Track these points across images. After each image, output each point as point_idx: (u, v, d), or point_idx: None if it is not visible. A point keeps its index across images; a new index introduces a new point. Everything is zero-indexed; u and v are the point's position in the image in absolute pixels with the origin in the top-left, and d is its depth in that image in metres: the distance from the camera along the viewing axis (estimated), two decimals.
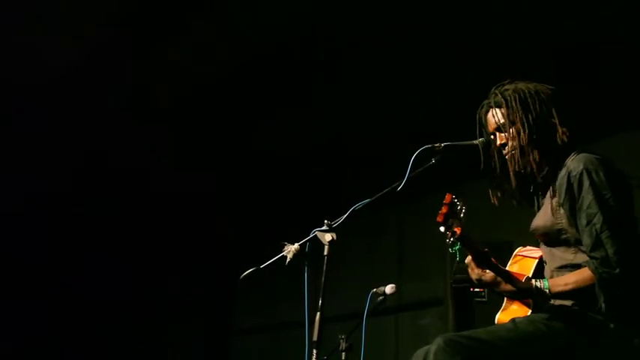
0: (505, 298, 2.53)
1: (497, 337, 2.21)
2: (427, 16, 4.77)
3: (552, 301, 2.32)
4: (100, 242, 8.95)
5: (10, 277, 8.94)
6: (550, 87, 2.49)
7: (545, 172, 2.43)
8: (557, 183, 2.35)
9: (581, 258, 2.29)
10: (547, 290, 2.26)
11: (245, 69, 5.58)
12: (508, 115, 2.45)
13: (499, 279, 2.30)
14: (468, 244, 2.26)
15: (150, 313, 10.16)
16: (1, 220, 8.16)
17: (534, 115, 2.41)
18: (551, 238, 2.38)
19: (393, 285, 3.54)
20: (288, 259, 2.57)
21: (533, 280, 2.30)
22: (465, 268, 2.38)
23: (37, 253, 9.09)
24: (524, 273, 2.47)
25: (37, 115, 6.37)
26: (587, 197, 2.24)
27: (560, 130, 2.39)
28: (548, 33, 4.77)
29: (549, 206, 2.37)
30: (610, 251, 2.17)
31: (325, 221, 2.59)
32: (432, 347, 2.15)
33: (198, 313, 9.68)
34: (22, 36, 5.28)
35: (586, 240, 2.23)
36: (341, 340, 3.34)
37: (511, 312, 2.47)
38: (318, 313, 2.48)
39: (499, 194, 2.53)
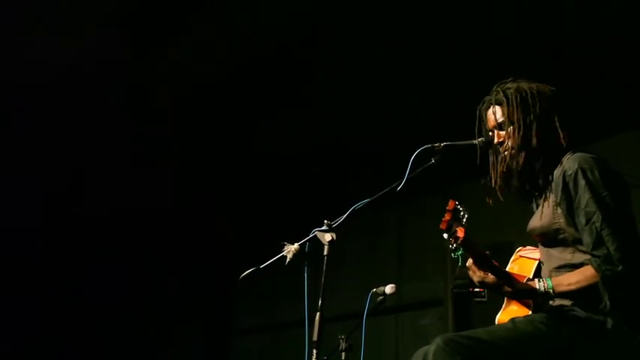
0: (505, 299, 2.54)
1: (496, 337, 2.21)
2: (427, 16, 4.77)
3: (552, 301, 2.32)
4: (100, 242, 8.95)
5: (9, 277, 8.94)
6: (552, 88, 2.49)
7: (540, 173, 2.43)
8: (553, 183, 2.35)
9: (579, 258, 2.29)
10: (551, 290, 2.26)
11: (245, 69, 5.58)
12: (508, 113, 2.45)
13: (501, 281, 2.30)
14: (470, 248, 2.26)
15: (150, 313, 10.16)
16: (1, 220, 8.16)
17: (534, 115, 2.42)
18: (548, 238, 2.38)
19: (392, 285, 3.54)
20: (288, 259, 2.57)
21: (536, 281, 2.30)
22: (466, 273, 2.39)
23: (37, 253, 9.09)
24: (525, 274, 2.47)
25: (36, 115, 6.36)
26: (585, 196, 2.24)
27: (559, 132, 2.40)
28: (549, 33, 4.77)
29: (546, 206, 2.37)
30: (612, 248, 2.17)
31: (325, 221, 2.60)
32: (432, 347, 2.15)
33: (198, 313, 9.68)
34: (22, 36, 5.28)
35: (586, 239, 2.23)
36: (341, 340, 3.34)
37: (511, 312, 2.47)
38: (318, 313, 2.48)
39: (497, 193, 2.53)
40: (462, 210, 2.24)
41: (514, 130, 2.43)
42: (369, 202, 2.59)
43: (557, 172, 2.34)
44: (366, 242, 7.43)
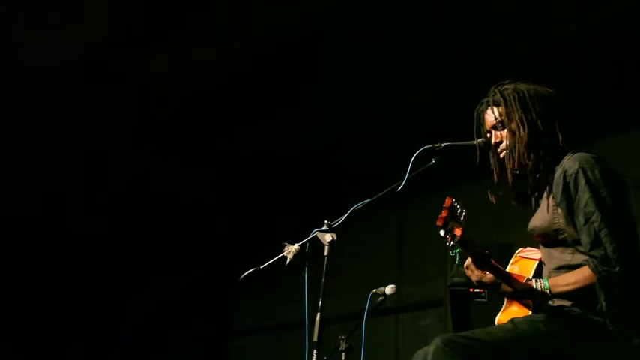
0: (505, 299, 2.54)
1: (496, 337, 2.21)
2: (427, 17, 4.77)
3: (552, 302, 2.32)
4: (100, 242, 8.94)
5: (9, 278, 8.94)
6: (550, 89, 2.50)
7: (540, 173, 2.43)
8: (553, 183, 2.35)
9: (579, 258, 2.29)
10: (548, 290, 2.26)
11: (245, 69, 5.58)
12: (506, 114, 2.46)
13: (499, 280, 2.30)
14: (467, 246, 2.26)
15: (149, 313, 10.15)
16: (1, 220, 8.16)
17: (532, 115, 2.42)
18: (548, 238, 2.38)
19: (393, 285, 3.54)
20: (288, 260, 2.58)
21: (534, 281, 2.30)
22: (463, 271, 2.39)
23: (37, 253, 9.09)
24: (525, 274, 2.47)
25: (36, 115, 6.37)
26: (584, 196, 2.24)
27: (557, 133, 2.40)
28: (549, 33, 4.77)
29: (546, 206, 2.37)
30: (609, 249, 2.17)
31: (325, 221, 2.60)
32: (431, 348, 2.15)
33: (198, 313, 9.67)
34: (22, 36, 5.28)
35: (585, 239, 2.23)
36: (341, 341, 3.34)
37: (511, 313, 2.47)
38: (318, 314, 2.48)
39: (497, 194, 2.54)
40: (460, 207, 2.23)
41: (512, 130, 2.44)
42: (369, 202, 2.59)
43: (557, 172, 2.34)
44: (367, 243, 7.42)
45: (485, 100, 2.55)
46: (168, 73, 5.73)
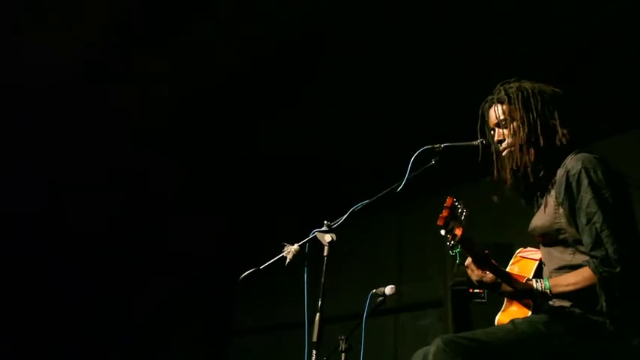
0: (505, 300, 2.53)
1: (496, 338, 2.21)
2: (427, 17, 4.77)
3: (552, 302, 2.32)
4: (100, 242, 8.94)
5: (9, 278, 8.93)
6: (555, 89, 2.49)
7: (542, 172, 2.43)
8: (556, 182, 2.35)
9: (580, 258, 2.29)
10: (548, 291, 2.26)
11: (245, 69, 5.58)
12: (509, 112, 2.46)
13: (499, 280, 2.30)
14: (468, 246, 2.26)
15: (150, 313, 10.15)
16: (1, 220, 8.16)
17: (535, 114, 2.42)
18: (549, 238, 2.38)
19: (392, 286, 3.53)
20: (287, 260, 2.58)
21: (534, 281, 2.30)
22: (464, 271, 2.39)
23: (37, 253, 9.09)
24: (525, 274, 2.47)
25: (36, 115, 6.37)
26: (587, 196, 2.24)
27: (559, 132, 2.40)
28: (549, 33, 4.77)
29: (548, 206, 2.37)
30: (610, 250, 2.16)
31: (325, 222, 2.60)
32: (432, 348, 2.15)
33: (198, 312, 9.67)
34: (22, 36, 5.28)
35: (586, 239, 2.23)
36: (341, 341, 3.33)
37: (511, 313, 2.47)
38: (318, 314, 2.48)
39: (500, 193, 2.54)
40: (460, 207, 2.23)
41: (514, 128, 2.44)
42: (369, 202, 2.59)
43: (560, 172, 2.34)
44: (366, 243, 7.42)
45: (490, 97, 2.55)
46: (168, 73, 5.73)
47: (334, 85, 5.65)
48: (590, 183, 2.24)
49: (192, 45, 5.36)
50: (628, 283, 2.16)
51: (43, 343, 9.58)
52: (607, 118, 5.14)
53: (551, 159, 2.40)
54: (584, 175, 2.26)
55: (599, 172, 2.26)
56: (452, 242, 2.22)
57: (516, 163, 2.44)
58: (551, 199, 2.37)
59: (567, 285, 2.25)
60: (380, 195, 2.60)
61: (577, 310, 2.25)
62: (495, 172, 2.53)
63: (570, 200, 2.29)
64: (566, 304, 2.29)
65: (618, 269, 2.15)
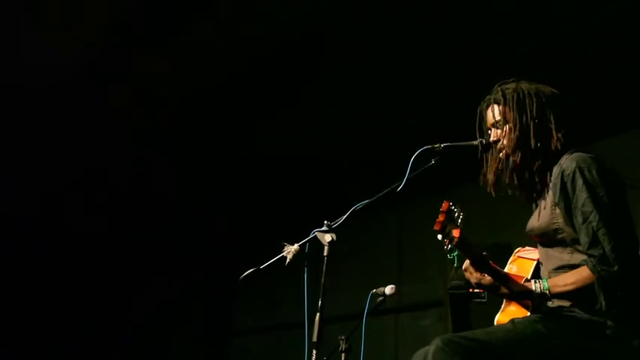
0: (504, 300, 2.53)
1: (495, 337, 2.21)
2: (427, 17, 4.77)
3: (551, 302, 2.32)
4: (100, 242, 8.95)
5: (9, 278, 8.94)
6: (554, 90, 2.50)
7: (537, 173, 2.43)
8: (551, 182, 2.35)
9: (578, 258, 2.29)
10: (547, 291, 2.26)
11: (245, 69, 5.58)
12: (504, 112, 2.46)
13: (498, 282, 2.30)
14: (466, 248, 2.26)
15: (150, 313, 10.15)
16: (1, 220, 8.16)
17: (529, 115, 2.43)
18: (547, 238, 2.38)
19: (392, 286, 3.53)
20: (288, 260, 2.58)
21: (533, 282, 2.30)
22: (461, 274, 2.39)
23: (36, 253, 9.09)
24: (523, 275, 2.47)
25: (36, 115, 6.37)
26: (582, 195, 2.24)
27: (554, 134, 2.40)
28: (549, 33, 4.77)
29: (545, 206, 2.38)
30: (607, 248, 2.17)
31: (325, 222, 2.60)
32: (431, 348, 2.15)
33: (198, 313, 9.67)
34: (22, 36, 5.28)
35: (583, 238, 2.23)
36: (341, 341, 3.33)
37: (510, 313, 2.47)
38: (318, 314, 2.48)
39: (498, 191, 2.54)
40: (457, 211, 2.23)
41: (509, 129, 2.45)
42: (369, 202, 2.59)
43: (555, 172, 2.35)
44: (366, 243, 7.42)
45: (488, 97, 2.56)
46: (168, 73, 5.73)
47: (334, 85, 5.66)
48: (585, 182, 2.24)
49: (192, 45, 5.36)
50: (626, 281, 2.15)
51: (43, 343, 9.59)
52: (607, 118, 5.15)
53: (546, 159, 2.40)
54: (578, 174, 2.26)
55: (594, 171, 2.26)
56: (449, 246, 2.22)
57: (512, 163, 2.45)
58: (547, 199, 2.38)
59: (565, 285, 2.25)
60: (380, 195, 2.60)
61: (576, 310, 2.25)
62: (490, 171, 2.53)
63: (566, 200, 2.29)
64: (566, 303, 2.29)
65: (616, 267, 2.15)
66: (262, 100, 6.00)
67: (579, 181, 2.25)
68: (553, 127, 2.41)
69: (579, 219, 2.24)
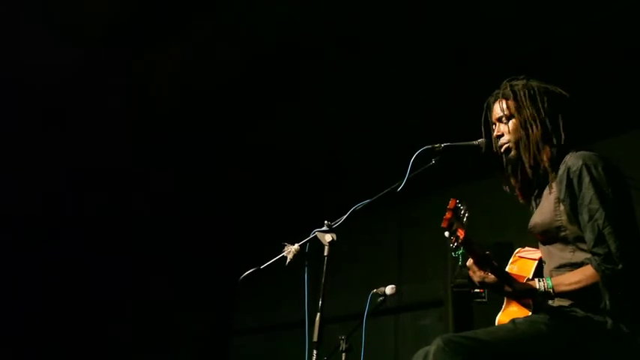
0: (505, 299, 2.53)
1: (497, 337, 2.20)
2: (427, 17, 4.77)
3: (552, 302, 2.32)
4: (100, 242, 8.95)
5: (9, 278, 8.93)
6: (562, 91, 2.49)
7: (540, 170, 2.42)
8: (556, 180, 2.35)
9: (580, 256, 2.28)
10: (551, 290, 2.25)
11: (245, 68, 5.58)
12: (515, 108, 2.46)
13: (501, 281, 2.30)
14: (470, 247, 2.26)
15: (150, 313, 10.15)
16: (0, 220, 8.16)
17: (538, 113, 2.42)
18: (549, 235, 2.37)
19: (393, 286, 3.53)
20: (288, 260, 2.57)
21: (536, 280, 2.30)
22: (466, 273, 2.39)
23: (36, 253, 9.09)
24: (524, 274, 2.47)
25: (36, 115, 6.37)
26: (588, 193, 2.23)
27: (562, 134, 2.40)
28: (549, 33, 4.77)
29: (548, 203, 2.37)
30: (613, 247, 2.16)
31: (325, 222, 2.60)
32: (432, 348, 2.15)
33: (198, 313, 9.67)
34: (22, 36, 5.28)
35: (588, 236, 2.22)
36: (341, 341, 3.33)
37: (511, 313, 2.47)
38: (319, 314, 2.48)
39: (507, 187, 2.54)
40: (463, 209, 2.24)
41: (517, 125, 2.44)
42: (369, 202, 2.59)
43: (560, 169, 2.34)
44: (367, 243, 7.42)
45: (496, 91, 2.56)
46: (168, 73, 5.73)
47: (335, 85, 5.66)
48: (592, 179, 2.24)
49: (192, 45, 5.36)
50: (631, 280, 2.15)
51: (42, 343, 9.58)
52: (607, 118, 5.14)
53: (552, 157, 2.40)
54: (585, 171, 2.25)
55: (600, 169, 2.25)
56: (455, 244, 2.22)
57: (514, 160, 2.44)
58: (551, 196, 2.37)
59: (570, 284, 2.24)
60: (380, 195, 2.60)
61: (578, 310, 2.24)
62: (497, 168, 2.53)
63: (572, 197, 2.28)
64: (566, 303, 2.28)
65: (621, 266, 2.14)
66: (262, 100, 6.00)
67: (586, 179, 2.25)
68: (561, 126, 2.41)
69: (585, 216, 2.23)
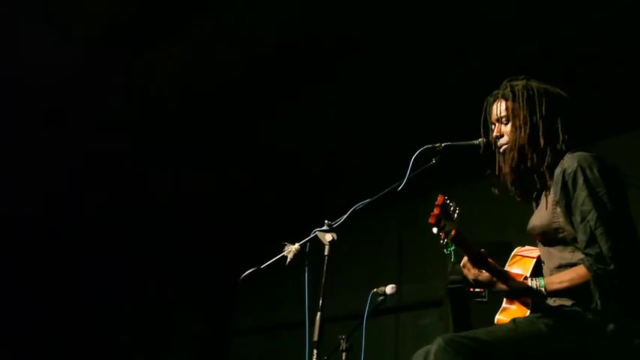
0: (504, 299, 2.53)
1: (497, 337, 2.21)
2: (427, 17, 4.77)
3: (552, 301, 2.32)
4: (100, 242, 8.95)
5: (9, 278, 8.94)
6: (562, 92, 2.49)
7: (539, 171, 2.43)
8: (553, 181, 2.35)
9: (579, 257, 2.28)
10: (543, 289, 2.26)
11: (245, 68, 5.58)
12: (512, 109, 2.46)
13: (495, 279, 2.29)
14: (462, 244, 2.26)
15: (150, 313, 10.16)
16: (1, 220, 8.16)
17: (538, 115, 2.42)
18: (548, 237, 2.38)
19: (393, 285, 3.54)
20: (288, 259, 2.57)
21: (530, 279, 2.30)
22: (460, 270, 2.38)
23: (36, 253, 9.09)
24: (523, 273, 2.47)
25: (36, 114, 6.37)
26: (582, 194, 2.24)
27: (561, 137, 2.40)
28: (549, 33, 4.77)
29: (546, 205, 2.37)
30: (604, 248, 2.16)
31: (326, 221, 2.60)
32: (433, 347, 2.15)
33: (198, 313, 9.67)
34: (22, 36, 5.28)
35: (581, 237, 2.23)
36: (341, 341, 3.33)
37: (510, 312, 2.47)
38: (319, 313, 2.48)
39: (499, 188, 2.54)
40: (452, 205, 2.22)
41: (516, 126, 2.44)
42: (369, 202, 2.59)
43: (557, 171, 2.34)
44: (367, 242, 7.42)
45: (496, 92, 2.56)
46: (168, 73, 5.73)
47: (335, 85, 5.66)
48: (586, 181, 2.24)
49: (192, 45, 5.36)
50: (623, 280, 2.15)
51: (43, 343, 9.59)
52: (607, 118, 5.14)
53: (549, 159, 2.40)
54: (579, 173, 2.26)
55: (595, 170, 2.26)
56: (445, 240, 2.21)
57: (513, 161, 2.44)
58: (549, 197, 2.37)
59: (561, 282, 2.25)
60: (381, 194, 2.60)
61: (578, 310, 2.25)
62: (497, 170, 2.53)
63: (566, 199, 2.28)
64: (567, 302, 2.29)
65: (612, 267, 2.14)
66: (262, 100, 6.00)
67: (580, 180, 2.25)
68: (560, 127, 2.41)
69: (578, 218, 2.24)
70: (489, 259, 2.30)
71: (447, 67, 5.23)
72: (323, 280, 2.53)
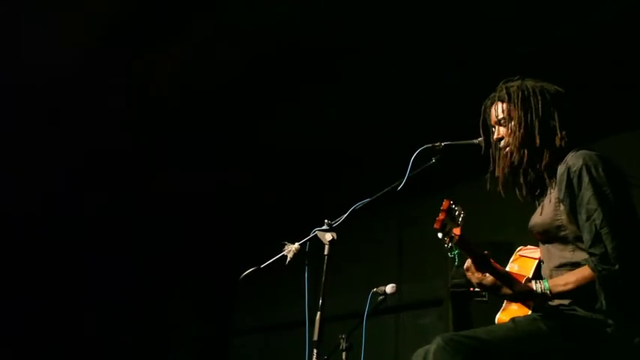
0: None
1: (497, 336, 2.21)
2: (428, 17, 4.77)
3: (552, 301, 2.32)
4: (100, 242, 8.95)
5: (9, 278, 8.94)
6: (558, 88, 2.49)
7: (541, 170, 2.43)
8: (557, 179, 2.35)
9: (580, 256, 2.28)
10: (548, 291, 2.25)
11: (245, 68, 5.58)
12: (509, 110, 2.46)
13: (500, 283, 2.29)
14: (467, 248, 2.26)
15: (150, 313, 10.16)
16: (1, 220, 8.16)
17: (534, 114, 2.42)
18: (549, 235, 2.37)
19: (393, 285, 3.54)
20: (288, 259, 2.58)
21: (534, 282, 2.29)
22: (462, 273, 2.38)
23: (36, 253, 9.09)
24: (524, 273, 2.47)
25: (36, 114, 6.37)
26: (587, 193, 2.23)
27: (559, 134, 2.40)
28: (549, 33, 4.77)
29: (548, 203, 2.37)
30: (609, 247, 2.15)
31: (325, 221, 2.60)
32: (432, 347, 2.15)
33: (198, 313, 9.68)
34: (22, 36, 5.28)
35: (586, 236, 2.22)
36: (341, 340, 3.34)
37: (511, 312, 2.47)
38: (319, 313, 2.48)
39: (499, 188, 2.54)
40: (457, 209, 2.22)
41: (514, 127, 2.44)
42: (369, 201, 2.60)
43: (561, 169, 2.34)
44: (367, 242, 7.42)
45: (492, 95, 2.56)
46: (168, 73, 5.73)
47: (335, 85, 5.66)
48: (591, 180, 2.24)
49: (192, 45, 5.36)
50: (628, 280, 2.15)
51: (43, 343, 9.59)
52: (607, 118, 5.14)
53: (549, 158, 2.40)
54: (585, 171, 2.25)
55: (600, 169, 2.25)
56: (449, 244, 2.21)
57: (515, 161, 2.44)
58: (551, 195, 2.37)
59: (566, 284, 2.24)
60: (380, 194, 2.60)
61: (577, 309, 2.25)
62: (498, 169, 2.53)
63: (571, 197, 2.28)
64: (566, 302, 2.28)
65: (617, 267, 2.14)
66: (262, 100, 6.00)
67: (585, 179, 2.24)
68: (557, 125, 2.41)
69: (583, 216, 2.23)
70: (493, 262, 2.30)
71: (448, 67, 5.23)
72: (323, 279, 2.53)
